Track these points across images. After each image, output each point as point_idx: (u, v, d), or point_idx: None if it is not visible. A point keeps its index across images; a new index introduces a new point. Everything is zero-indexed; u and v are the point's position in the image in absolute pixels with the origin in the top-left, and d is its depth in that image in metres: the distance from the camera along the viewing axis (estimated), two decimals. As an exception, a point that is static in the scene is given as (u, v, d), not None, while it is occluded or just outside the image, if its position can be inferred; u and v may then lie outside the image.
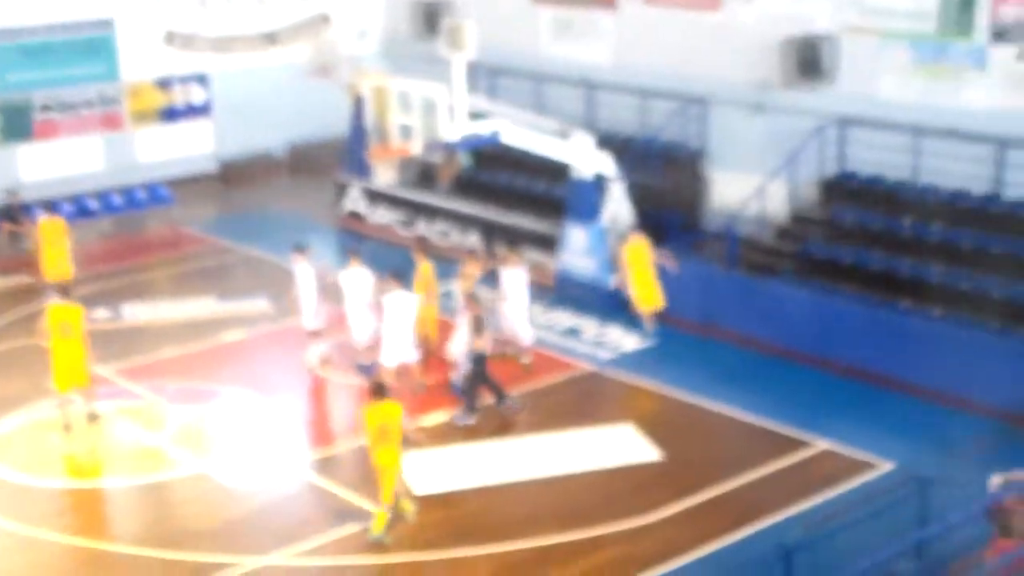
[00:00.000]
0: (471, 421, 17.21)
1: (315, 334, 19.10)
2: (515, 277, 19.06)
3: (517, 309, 19.07)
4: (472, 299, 17.73)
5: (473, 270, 19.19)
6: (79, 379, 17.69)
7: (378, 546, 14.23)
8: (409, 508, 14.75)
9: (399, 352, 17.64)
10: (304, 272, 19.05)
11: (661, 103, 24.82)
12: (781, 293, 19.80)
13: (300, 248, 19.29)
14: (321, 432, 17.47)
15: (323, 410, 18.21)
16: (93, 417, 17.82)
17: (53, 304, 17.75)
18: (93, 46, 29.11)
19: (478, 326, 17.20)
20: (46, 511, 15.39)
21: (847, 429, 16.53)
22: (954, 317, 18.29)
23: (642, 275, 20.23)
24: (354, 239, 20.97)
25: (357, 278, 18.82)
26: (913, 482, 12.85)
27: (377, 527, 14.31)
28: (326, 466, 16.31)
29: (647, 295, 20.26)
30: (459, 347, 17.91)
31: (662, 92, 24.78)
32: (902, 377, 17.76)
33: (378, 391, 14.37)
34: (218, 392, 18.58)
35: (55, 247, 22.54)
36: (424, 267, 19.34)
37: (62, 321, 17.65)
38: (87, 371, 17.72)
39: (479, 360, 17.21)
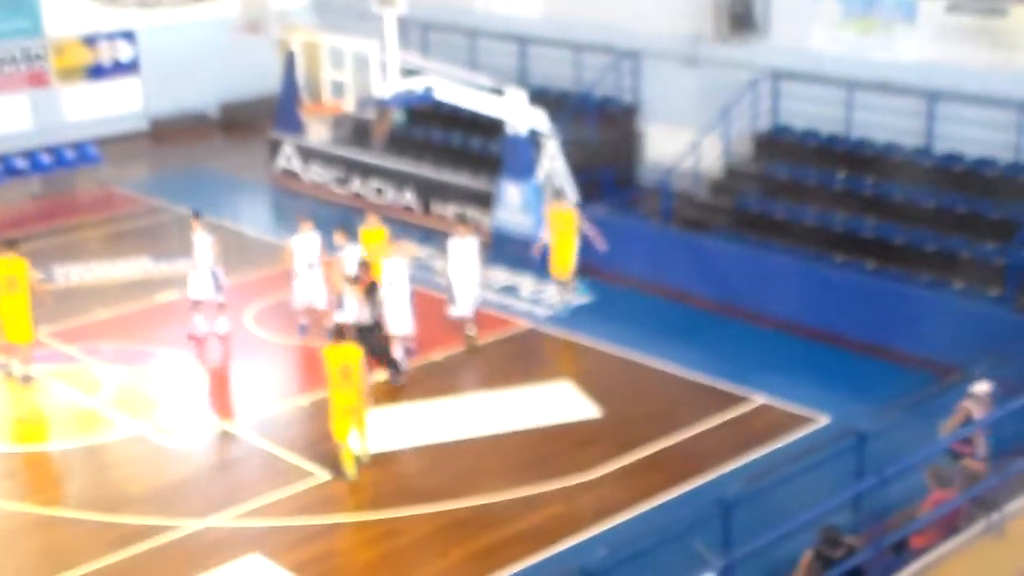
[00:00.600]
0: (402, 380, 17.05)
1: (198, 304, 18.61)
2: (464, 247, 18.37)
3: (465, 281, 18.27)
4: (364, 266, 17.28)
5: (412, 250, 18.68)
6: (23, 334, 17.48)
7: (349, 487, 14.51)
8: (351, 468, 14.66)
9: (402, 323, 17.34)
10: (201, 240, 18.52)
11: (594, 57, 24.64)
12: (716, 248, 19.82)
13: (196, 215, 18.84)
14: (258, 393, 17.20)
15: (260, 371, 17.92)
16: (27, 379, 17.50)
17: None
18: (16, 2, 28.32)
19: (371, 294, 16.80)
20: None
21: (783, 384, 16.57)
22: (887, 271, 18.37)
23: (561, 243, 19.67)
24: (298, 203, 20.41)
25: (307, 242, 18.45)
26: (849, 436, 12.87)
27: (349, 468, 14.59)
28: (264, 427, 16.10)
29: (560, 263, 19.74)
30: (348, 316, 17.71)
31: (595, 46, 24.61)
32: (836, 331, 17.84)
33: (338, 333, 14.72)
34: (153, 354, 18.29)
35: None
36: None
37: (8, 275, 17.42)
38: (31, 326, 17.56)
39: (370, 330, 16.79)
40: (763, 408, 16.07)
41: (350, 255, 18.07)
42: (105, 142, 28.51)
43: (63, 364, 18.04)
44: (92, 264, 22.22)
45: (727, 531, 11.56)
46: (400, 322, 17.37)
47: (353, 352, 14.56)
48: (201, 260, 18.47)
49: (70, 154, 27.72)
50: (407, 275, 17.44)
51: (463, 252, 18.20)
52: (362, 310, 16.70)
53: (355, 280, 16.85)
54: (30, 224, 24.12)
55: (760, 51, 21.99)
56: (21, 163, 27.18)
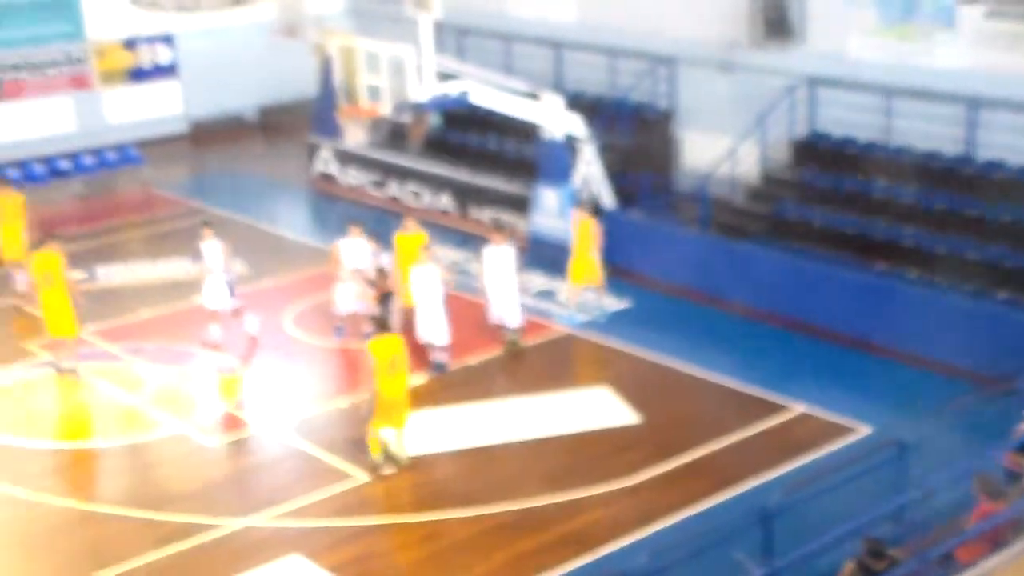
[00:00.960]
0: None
1: (215, 315, 18.46)
2: (500, 255, 18.04)
3: (503, 290, 18.07)
4: (382, 274, 17.28)
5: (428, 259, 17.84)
6: (66, 328, 17.60)
7: (374, 470, 14.71)
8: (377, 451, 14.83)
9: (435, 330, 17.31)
10: (211, 249, 18.37)
11: (630, 63, 24.52)
12: (753, 255, 19.66)
13: (207, 224, 18.75)
14: (297, 394, 17.20)
15: (299, 373, 17.92)
16: (71, 372, 17.69)
17: (36, 253, 17.66)
18: (58, 5, 28.49)
19: (385, 303, 16.67)
20: (33, 471, 15.18)
21: (823, 393, 16.37)
22: (928, 279, 18.21)
23: (579, 250, 19.43)
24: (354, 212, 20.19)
25: (354, 247, 18.40)
26: (891, 446, 12.74)
27: (375, 451, 14.76)
28: (304, 428, 16.09)
29: (576, 270, 19.45)
30: (347, 304, 17.82)
31: (630, 52, 24.47)
32: (877, 340, 17.63)
33: (382, 326, 14.89)
34: (195, 354, 18.31)
35: (11, 225, 20.85)
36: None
37: (45, 270, 17.54)
38: (74, 320, 17.63)
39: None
40: (803, 417, 15.91)
41: (355, 249, 18.11)
42: (146, 144, 28.65)
43: (107, 362, 18.11)
44: (133, 264, 22.31)
45: (768, 540, 11.48)
46: (434, 331, 17.26)
47: (399, 342, 14.65)
48: (213, 268, 18.33)
49: (112, 156, 27.85)
50: (439, 283, 17.28)
51: (499, 260, 17.99)
52: (368, 308, 16.78)
53: (371, 283, 16.84)
54: (73, 224, 24.23)
55: (796, 57, 21.86)
56: (65, 164, 27.33)
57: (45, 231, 18.51)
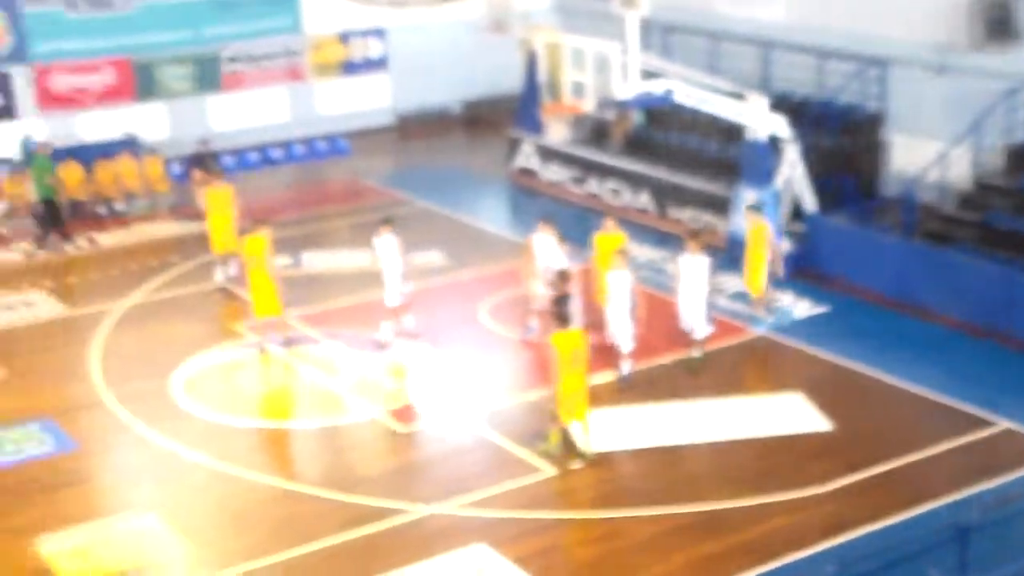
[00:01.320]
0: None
1: (394, 311, 18.47)
2: (694, 265, 17.56)
3: (693, 300, 17.70)
4: (563, 277, 17.03)
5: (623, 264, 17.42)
6: (271, 308, 18.09)
7: (551, 460, 14.78)
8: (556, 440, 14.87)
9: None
10: (386, 246, 18.27)
11: (839, 64, 23.93)
12: (962, 264, 18.89)
13: (388, 221, 18.45)
14: (490, 385, 17.31)
15: (493, 364, 18.04)
16: (289, 343, 18.31)
17: (246, 237, 18.22)
18: (278, 0, 29.43)
19: (560, 305, 16.51)
20: (236, 448, 15.68)
21: (1029, 409, 15.65)
22: None
23: (752, 256, 18.81)
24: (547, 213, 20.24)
25: (544, 244, 18.36)
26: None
27: (554, 440, 14.92)
28: (495, 419, 16.19)
29: (751, 278, 18.86)
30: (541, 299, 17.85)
31: (840, 52, 23.88)
32: (1090, 356, 16.78)
33: (562, 319, 15.19)
34: (392, 342, 18.58)
35: (221, 216, 21.19)
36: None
37: (253, 254, 18.05)
38: (277, 300, 18.09)
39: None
40: (1007, 433, 15.20)
41: (544, 246, 18.01)
42: (354, 135, 29.39)
43: (307, 346, 18.57)
44: (338, 252, 22.81)
45: (963, 559, 11.03)
46: (619, 337, 17.06)
47: (580, 337, 14.72)
48: (389, 266, 18.27)
49: (322, 146, 28.64)
50: (630, 290, 17.03)
51: (692, 269, 17.57)
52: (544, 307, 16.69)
53: (551, 284, 16.74)
54: (283, 212, 24.99)
55: (1017, 60, 20.87)
56: (277, 153, 28.22)
57: (255, 218, 19.01)
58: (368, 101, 30.87)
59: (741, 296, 19.72)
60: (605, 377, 16.84)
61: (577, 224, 19.75)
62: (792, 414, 16.04)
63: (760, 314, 18.94)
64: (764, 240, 18.61)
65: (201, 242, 22.34)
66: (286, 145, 28.49)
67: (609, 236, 18.32)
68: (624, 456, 15.16)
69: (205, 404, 16.88)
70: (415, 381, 17.19)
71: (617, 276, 17.00)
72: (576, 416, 14.88)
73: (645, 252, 21.79)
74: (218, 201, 21.30)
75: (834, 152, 22.95)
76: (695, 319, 17.69)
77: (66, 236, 23.84)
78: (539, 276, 18.27)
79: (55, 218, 23.83)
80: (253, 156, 27.83)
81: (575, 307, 17.03)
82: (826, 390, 16.63)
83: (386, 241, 18.31)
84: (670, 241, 21.98)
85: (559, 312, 15.84)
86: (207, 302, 20.78)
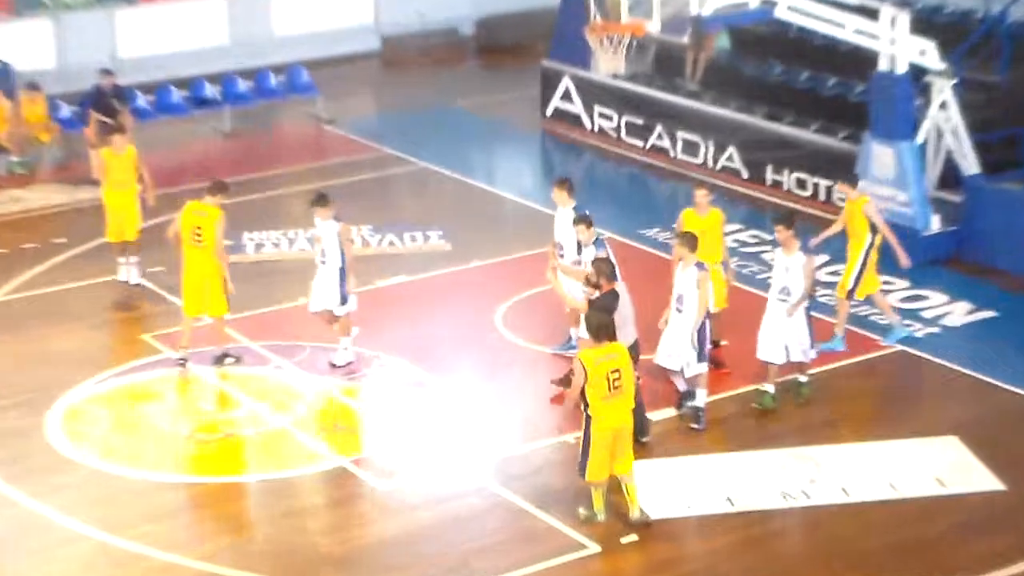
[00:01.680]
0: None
1: (334, 321, 18.43)
2: (790, 266, 17.17)
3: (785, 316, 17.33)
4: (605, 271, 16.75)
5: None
6: (213, 304, 18.11)
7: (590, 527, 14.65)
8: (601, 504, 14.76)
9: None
10: (327, 230, 18.13)
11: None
12: None
13: (322, 200, 18.24)
14: (507, 420, 17.23)
15: (512, 388, 17.94)
16: (222, 361, 18.41)
17: (189, 203, 18.25)
18: None
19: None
20: (135, 513, 15.47)
21: None
22: None
23: (853, 248, 18.54)
24: None
25: (562, 219, 18.29)
26: None
27: (598, 504, 14.79)
28: (512, 469, 16.03)
29: (868, 280, 18.51)
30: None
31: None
32: None
33: (600, 330, 14.66)
34: (368, 358, 18.46)
35: (119, 192, 20.83)
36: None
37: (194, 225, 18.10)
38: (221, 295, 18.13)
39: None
40: None
41: (562, 221, 18.09)
42: (321, 65, 29.32)
43: (248, 368, 18.51)
44: (296, 232, 22.63)
45: None
46: (678, 354, 16.82)
47: (622, 353, 14.58)
48: (328, 257, 18.21)
49: (275, 81, 28.59)
50: (698, 287, 16.71)
51: (787, 272, 17.18)
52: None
53: (588, 281, 16.43)
54: (218, 172, 24.63)
55: None
56: (211, 90, 28.13)
57: (213, 180, 18.83)
58: (342, 16, 30.91)
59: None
60: (665, 414, 16.80)
61: (635, 192, 19.35)
62: (945, 465, 15.96)
63: (892, 319, 18.81)
64: (863, 223, 18.31)
65: (100, 216, 22.10)
66: (224, 79, 28.37)
67: (703, 217, 18.01)
68: (693, 524, 15.08)
69: (94, 450, 16.68)
70: (376, 419, 17.20)
71: (686, 276, 16.73)
72: (618, 466, 14.68)
73: (732, 232, 21.49)
74: (116, 168, 20.97)
75: (1005, 91, 23.07)
76: (792, 341, 17.24)
77: None
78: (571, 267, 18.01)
79: None
80: (177, 95, 27.71)
81: (624, 312, 16.60)
82: (996, 431, 16.62)
83: (327, 228, 18.20)
84: (763, 218, 22.05)
85: (595, 320, 15.26)
86: (105, 301, 20.62)
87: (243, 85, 28.22)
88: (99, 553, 14.81)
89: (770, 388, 17.27)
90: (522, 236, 21.89)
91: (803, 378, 17.43)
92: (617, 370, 14.46)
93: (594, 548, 14.54)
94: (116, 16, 29.00)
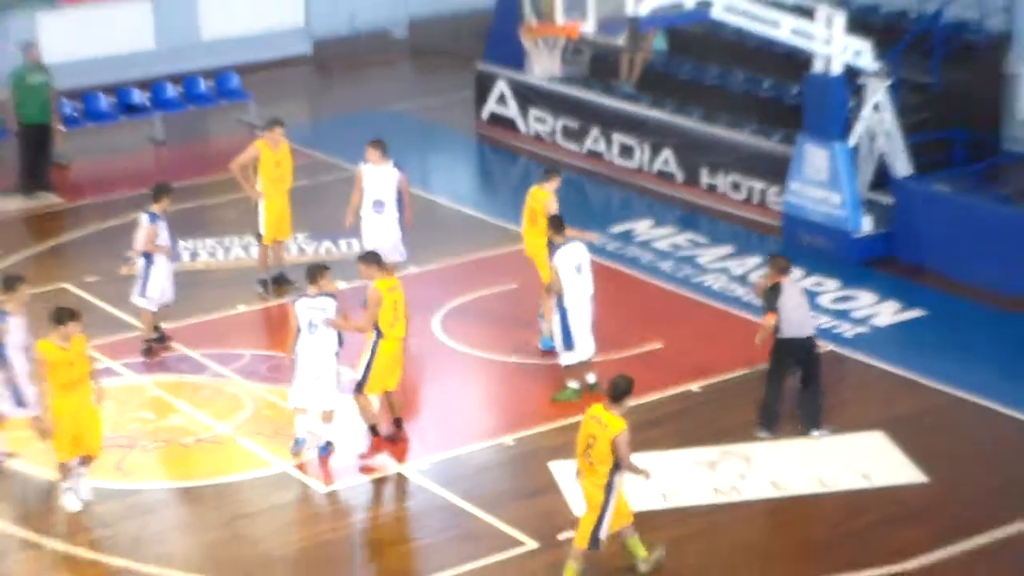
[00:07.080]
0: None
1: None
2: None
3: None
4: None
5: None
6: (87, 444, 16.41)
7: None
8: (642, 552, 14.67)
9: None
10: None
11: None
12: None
13: (163, 190, 19.41)
14: (442, 425, 17.85)
15: (448, 391, 18.60)
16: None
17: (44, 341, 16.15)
18: None
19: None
20: (61, 517, 15.92)
21: None
22: None
23: None
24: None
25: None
26: None
27: (641, 553, 14.53)
28: (447, 472, 16.66)
29: None
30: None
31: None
32: None
33: (623, 392, 14.30)
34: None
35: None
36: None
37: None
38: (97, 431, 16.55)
39: None
40: None
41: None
42: (252, 70, 29.54)
43: (188, 376, 19.01)
44: (229, 241, 23.12)
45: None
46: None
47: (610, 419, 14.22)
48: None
49: (205, 86, 28.65)
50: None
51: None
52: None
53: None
54: (147, 182, 24.81)
55: None
56: (139, 97, 28.09)
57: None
58: (271, 19, 31.05)
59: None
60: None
61: (571, 196, 19.84)
62: (872, 460, 16.52)
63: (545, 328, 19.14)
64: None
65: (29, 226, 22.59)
66: (151, 85, 28.38)
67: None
68: (650, 519, 15.23)
69: (28, 459, 17.01)
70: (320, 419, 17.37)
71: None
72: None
73: (666, 234, 22.50)
74: None
75: (939, 91, 23.30)
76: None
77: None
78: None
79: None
80: (106, 102, 27.89)
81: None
82: (919, 427, 17.13)
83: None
84: (700, 221, 22.70)
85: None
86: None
87: (172, 91, 28.15)
88: (55, 559, 15.23)
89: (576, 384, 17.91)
90: (458, 241, 22.46)
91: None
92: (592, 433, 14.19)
93: (532, 544, 14.94)
94: (37, 19, 28.87)
